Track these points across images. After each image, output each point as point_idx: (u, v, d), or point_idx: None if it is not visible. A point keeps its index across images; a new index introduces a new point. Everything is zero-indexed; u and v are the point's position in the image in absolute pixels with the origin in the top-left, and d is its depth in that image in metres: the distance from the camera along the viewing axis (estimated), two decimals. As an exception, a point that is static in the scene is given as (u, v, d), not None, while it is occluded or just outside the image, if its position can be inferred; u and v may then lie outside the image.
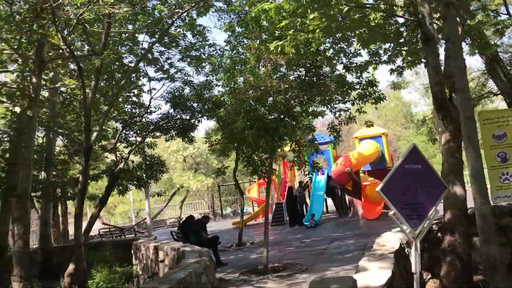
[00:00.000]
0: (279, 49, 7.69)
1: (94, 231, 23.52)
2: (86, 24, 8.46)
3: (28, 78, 12.62)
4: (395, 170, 5.12)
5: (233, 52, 11.20)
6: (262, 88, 9.56)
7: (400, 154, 41.56)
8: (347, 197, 20.67)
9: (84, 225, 11.16)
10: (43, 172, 15.24)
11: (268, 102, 10.47)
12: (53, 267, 15.26)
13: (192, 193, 33.28)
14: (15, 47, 12.02)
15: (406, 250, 7.31)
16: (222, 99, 11.55)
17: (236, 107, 9.88)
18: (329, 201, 22.18)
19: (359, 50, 9.59)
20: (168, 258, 9.48)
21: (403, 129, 48.90)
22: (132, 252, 11.94)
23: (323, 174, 20.18)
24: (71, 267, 11.21)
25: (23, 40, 11.58)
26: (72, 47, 13.49)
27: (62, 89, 15.00)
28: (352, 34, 8.29)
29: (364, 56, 10.30)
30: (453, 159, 6.75)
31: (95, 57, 8.74)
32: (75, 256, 9.73)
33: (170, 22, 11.47)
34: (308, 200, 20.61)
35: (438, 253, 7.48)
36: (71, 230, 23.98)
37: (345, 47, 8.72)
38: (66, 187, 15.01)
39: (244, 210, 29.54)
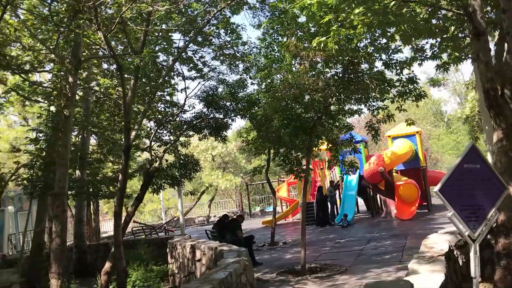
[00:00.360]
0: (322, 45, 7.50)
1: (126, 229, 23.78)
2: (128, 23, 8.43)
3: (64, 77, 12.75)
4: (454, 170, 4.90)
5: (268, 49, 11.08)
6: (300, 86, 9.39)
7: (431, 153, 40.75)
8: (379, 197, 20.35)
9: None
10: (77, 170, 15.41)
11: (305, 101, 10.31)
12: (87, 265, 15.43)
13: (220, 192, 33.37)
14: (52, 47, 12.15)
15: (455, 253, 7.07)
16: (257, 97, 11.40)
17: (274, 105, 9.73)
18: (360, 201, 21.85)
19: (400, 46, 9.34)
20: (206, 258, 9.42)
21: (432, 127, 47.97)
22: (168, 250, 11.93)
23: (354, 173, 19.87)
24: (107, 265, 11.26)
25: (60, 40, 11.70)
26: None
27: (96, 88, 15.13)
28: (393, 30, 8.06)
29: (405, 52, 10.07)
30: (507, 158, 6.44)
31: (134, 56, 8.72)
32: (114, 255, 9.74)
33: (205, 20, 11.38)
34: (338, 200, 20.42)
35: (488, 256, 7.20)
36: (102, 228, 24.38)
37: (388, 43, 8.47)
38: (101, 185, 15.15)
39: (272, 209, 29.55)
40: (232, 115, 13.17)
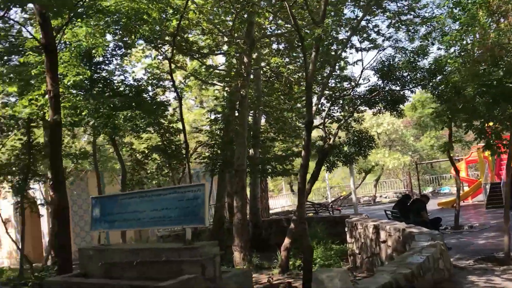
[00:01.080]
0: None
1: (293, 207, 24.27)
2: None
3: (239, 58, 13.11)
4: None
5: (457, 9, 9.78)
6: (503, 45, 8.05)
7: None
8: None
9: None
10: (251, 149, 15.92)
11: (505, 64, 8.86)
12: (262, 240, 15.96)
13: (386, 172, 31.93)
14: (226, 30, 12.57)
15: None
16: (446, 63, 10.13)
17: (473, 69, 8.52)
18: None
19: None
20: (392, 239, 8.81)
21: None
22: (347, 230, 11.56)
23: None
24: (287, 241, 11.38)
25: (235, 22, 12.01)
26: (275, 25, 13.65)
27: (266, 67, 15.36)
28: None
29: None
30: None
31: (316, 26, 8.38)
32: (297, 232, 9.72)
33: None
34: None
35: None
36: (270, 205, 25.20)
37: None
38: (275, 163, 15.46)
39: (447, 190, 27.30)
40: (411, 86, 12.09)
